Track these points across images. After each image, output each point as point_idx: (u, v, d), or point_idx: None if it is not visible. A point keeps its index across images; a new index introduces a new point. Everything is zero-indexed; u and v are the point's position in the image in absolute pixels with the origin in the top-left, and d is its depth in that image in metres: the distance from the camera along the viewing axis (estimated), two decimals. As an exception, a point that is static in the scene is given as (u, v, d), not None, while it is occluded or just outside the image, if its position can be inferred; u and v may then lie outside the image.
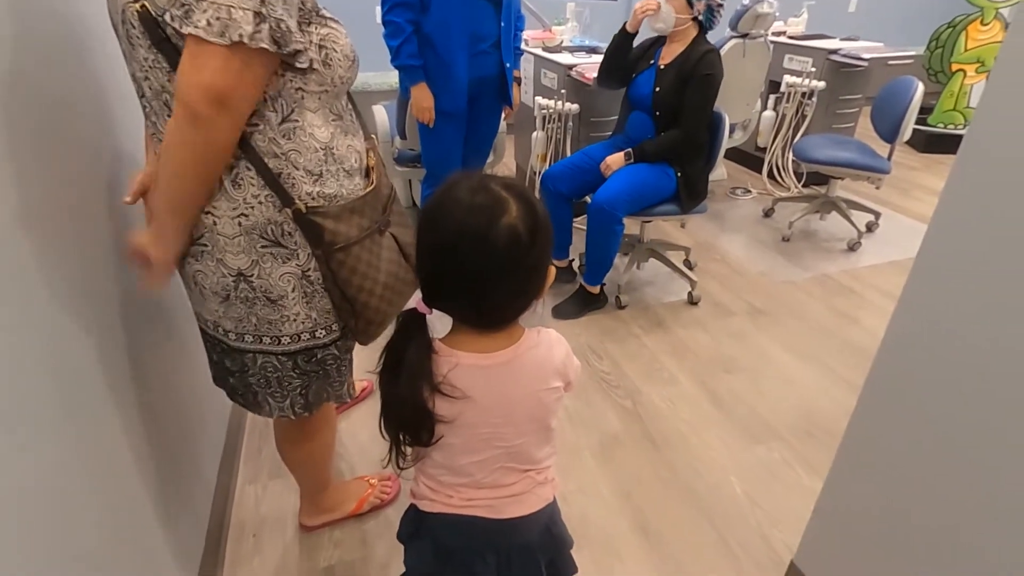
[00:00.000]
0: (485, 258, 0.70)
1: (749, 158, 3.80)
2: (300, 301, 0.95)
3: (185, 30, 0.73)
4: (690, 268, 2.60)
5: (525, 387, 0.79)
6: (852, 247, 2.87)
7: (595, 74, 2.60)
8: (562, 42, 3.21)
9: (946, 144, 4.16)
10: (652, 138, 2.18)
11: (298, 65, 0.83)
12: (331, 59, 0.88)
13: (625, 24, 2.21)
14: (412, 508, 0.91)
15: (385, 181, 1.06)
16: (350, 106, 1.01)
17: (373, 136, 1.08)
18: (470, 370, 0.76)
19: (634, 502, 1.54)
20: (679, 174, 2.18)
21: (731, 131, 3.29)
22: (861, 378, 1.05)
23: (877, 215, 3.04)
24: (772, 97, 3.42)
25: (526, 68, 3.21)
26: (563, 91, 2.77)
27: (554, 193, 2.31)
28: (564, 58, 2.90)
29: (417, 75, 2.02)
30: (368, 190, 0.98)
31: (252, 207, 0.88)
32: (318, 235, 0.91)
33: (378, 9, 1.97)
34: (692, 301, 2.42)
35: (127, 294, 1.09)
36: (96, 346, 0.94)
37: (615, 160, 2.18)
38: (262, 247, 0.90)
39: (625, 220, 2.17)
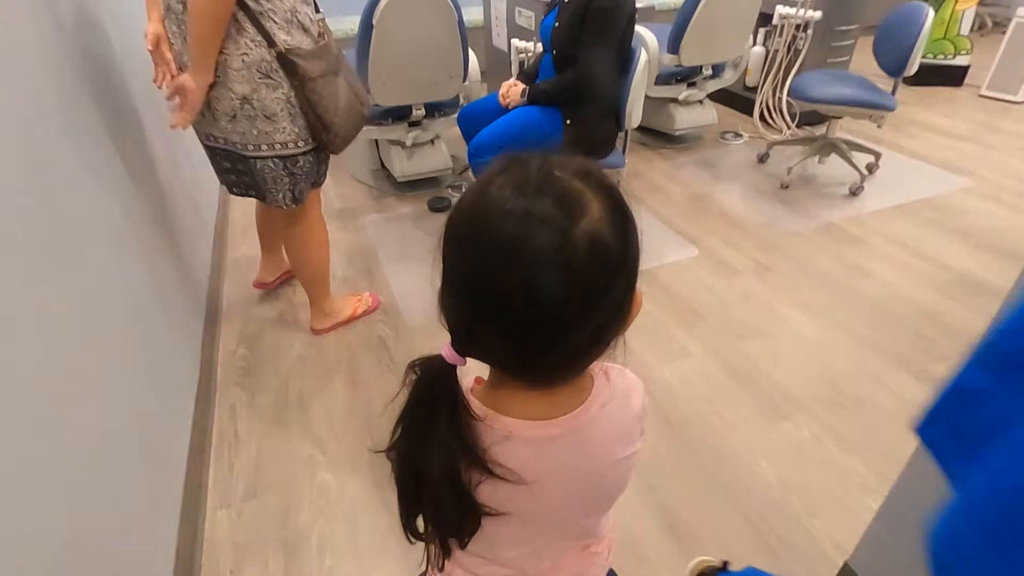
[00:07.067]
0: (554, 292, 0.43)
1: (736, 99, 3.57)
2: (287, 118, 1.38)
3: None
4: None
5: (598, 458, 0.57)
6: (854, 191, 2.71)
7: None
8: (536, -24, 2.88)
9: (936, 76, 3.99)
10: (550, 78, 1.99)
11: None
12: None
13: None
14: None
15: (333, 44, 1.44)
16: None
17: (322, 12, 1.44)
18: (526, 443, 0.53)
19: (658, 497, 1.39)
20: (568, 121, 1.97)
21: (721, 70, 3.06)
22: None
23: (877, 155, 2.87)
24: (762, 31, 3.18)
25: (498, 8, 2.89)
26: (542, 32, 2.47)
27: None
28: (541, -7, 2.58)
29: None
30: (322, 43, 1.39)
31: (251, 48, 1.28)
32: (294, 70, 1.33)
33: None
34: (694, 261, 2.24)
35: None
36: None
37: (513, 93, 2.03)
38: (259, 78, 1.31)
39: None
